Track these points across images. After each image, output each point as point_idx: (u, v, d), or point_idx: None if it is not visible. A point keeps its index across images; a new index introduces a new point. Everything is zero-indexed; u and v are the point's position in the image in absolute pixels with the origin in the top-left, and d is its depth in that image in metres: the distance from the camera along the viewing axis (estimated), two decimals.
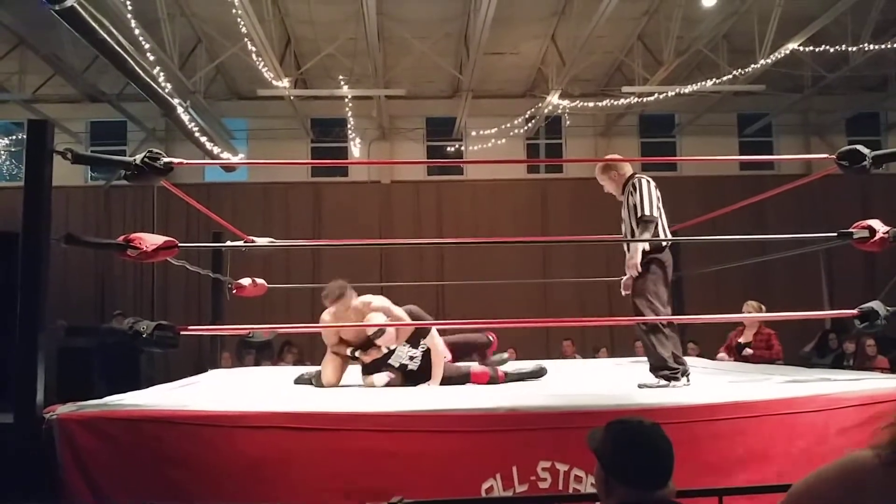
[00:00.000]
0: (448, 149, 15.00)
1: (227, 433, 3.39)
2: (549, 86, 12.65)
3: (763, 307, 7.52)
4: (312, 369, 5.93)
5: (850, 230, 4.42)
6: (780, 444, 3.51)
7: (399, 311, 5.46)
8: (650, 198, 4.85)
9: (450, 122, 14.53)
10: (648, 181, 4.96)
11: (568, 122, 14.66)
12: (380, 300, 5.51)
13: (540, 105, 13.12)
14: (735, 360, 7.68)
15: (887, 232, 4.32)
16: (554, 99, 12.42)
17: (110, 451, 3.34)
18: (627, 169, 5.25)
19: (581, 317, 12.42)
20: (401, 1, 11.09)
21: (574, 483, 3.32)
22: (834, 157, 4.41)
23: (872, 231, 4.34)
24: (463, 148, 14.84)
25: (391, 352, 5.38)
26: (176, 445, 3.36)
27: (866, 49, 11.01)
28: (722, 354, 7.94)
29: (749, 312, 7.41)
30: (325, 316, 5.53)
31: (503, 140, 13.85)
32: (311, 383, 5.60)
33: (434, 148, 15.20)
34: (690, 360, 7.44)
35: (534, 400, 4.08)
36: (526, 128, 14.07)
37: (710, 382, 5.10)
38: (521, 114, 13.69)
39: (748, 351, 7.69)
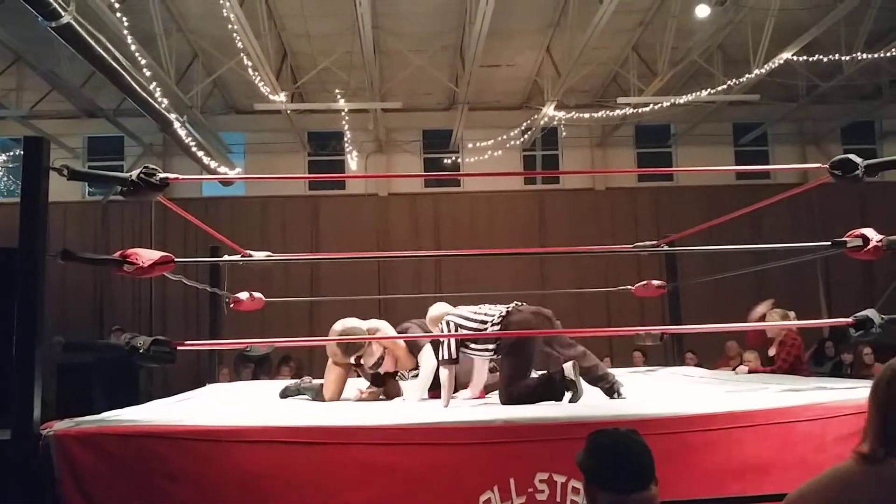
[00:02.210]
0: (445, 161, 15.02)
1: (225, 448, 3.39)
2: (544, 97, 12.69)
3: (791, 314, 7.41)
4: (293, 382, 5.92)
5: (844, 239, 4.44)
6: (777, 454, 3.51)
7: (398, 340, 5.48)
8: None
9: (446, 135, 14.57)
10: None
11: (564, 133, 14.69)
12: (384, 328, 5.50)
13: (536, 116, 13.16)
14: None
15: (881, 240, 4.34)
16: (550, 110, 12.46)
17: (108, 467, 3.33)
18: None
19: (579, 328, 12.41)
20: (396, 14, 11.14)
21: (572, 494, 3.32)
22: (827, 166, 4.43)
23: (866, 240, 4.36)
24: (460, 160, 14.87)
25: (395, 373, 5.42)
26: (174, 461, 3.35)
27: (860, 58, 11.05)
28: (742, 367, 7.81)
29: (774, 321, 7.34)
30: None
31: (500, 151, 13.88)
32: (300, 393, 5.60)
33: (431, 160, 15.22)
34: (688, 370, 7.49)
35: (530, 411, 4.08)
36: (522, 139, 14.10)
37: (707, 392, 5.11)
38: (518, 125, 13.73)
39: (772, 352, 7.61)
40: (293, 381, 5.91)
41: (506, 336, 4.80)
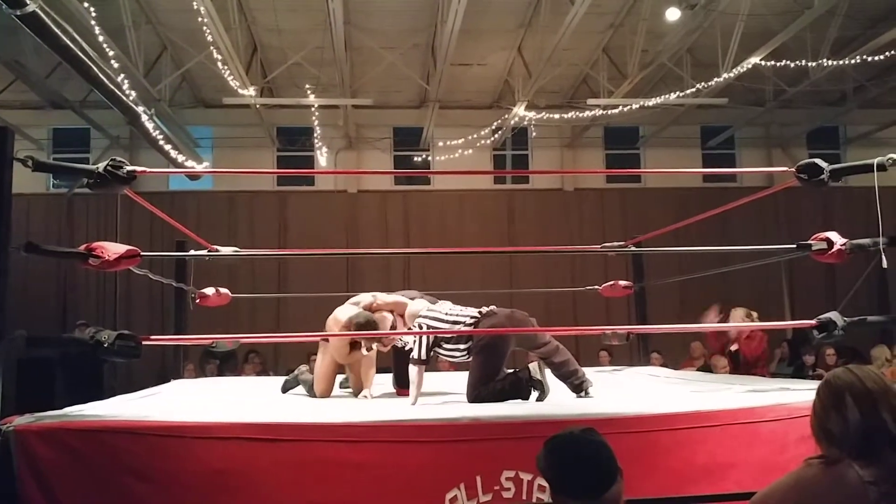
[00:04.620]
0: (415, 159, 15.00)
1: (190, 444, 3.36)
2: (515, 97, 12.71)
3: (754, 314, 7.51)
4: (292, 374, 5.83)
5: (809, 242, 4.51)
6: (741, 453, 3.56)
7: (398, 298, 5.53)
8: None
9: (417, 132, 14.55)
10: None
11: (534, 134, 14.72)
12: (382, 297, 5.56)
13: (506, 116, 13.18)
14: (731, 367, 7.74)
15: (844, 244, 4.41)
16: (520, 110, 12.48)
17: (70, 463, 3.29)
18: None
19: (546, 326, 12.45)
20: (368, 11, 11.10)
21: (538, 492, 3.34)
22: (793, 170, 4.50)
23: (830, 243, 4.43)
24: (430, 158, 14.85)
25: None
26: (138, 457, 3.32)
27: (825, 64, 11.21)
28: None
29: (737, 319, 7.44)
30: (335, 326, 5.41)
31: (470, 150, 13.87)
32: (298, 384, 5.58)
33: (401, 158, 15.18)
34: (653, 370, 7.56)
35: (497, 409, 4.10)
36: (493, 138, 14.11)
37: (672, 392, 5.16)
38: (488, 125, 13.74)
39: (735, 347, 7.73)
40: (292, 374, 5.84)
41: (477, 336, 4.83)
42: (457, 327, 4.89)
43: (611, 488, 2.13)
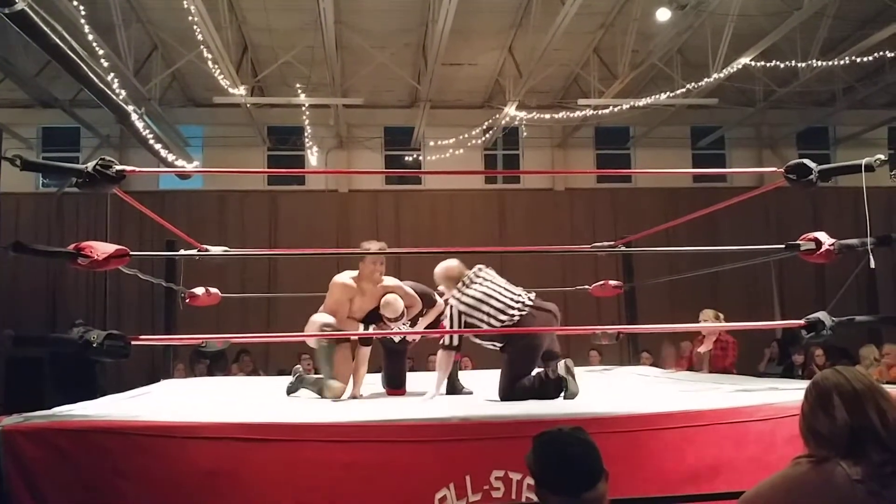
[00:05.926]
0: (406, 158, 15.00)
1: (180, 444, 3.35)
2: (506, 97, 12.72)
3: (721, 315, 7.54)
4: (294, 377, 5.56)
5: (798, 242, 4.53)
6: (729, 453, 3.57)
7: (408, 289, 5.58)
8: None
9: (408, 132, 14.54)
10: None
11: (525, 134, 14.75)
12: (391, 280, 5.61)
13: (497, 116, 13.18)
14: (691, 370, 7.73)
15: (833, 244, 4.43)
16: (511, 110, 12.49)
17: (59, 464, 3.28)
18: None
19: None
20: (359, 10, 11.09)
21: (527, 492, 3.34)
22: (782, 170, 4.52)
23: (819, 243, 4.45)
24: (421, 158, 14.85)
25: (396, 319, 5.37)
26: (127, 457, 3.31)
27: (815, 65, 11.26)
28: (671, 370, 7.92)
29: (705, 321, 7.46)
30: (342, 281, 5.47)
31: (461, 150, 13.88)
32: (299, 388, 5.39)
33: (392, 157, 15.18)
34: (643, 370, 7.57)
35: (486, 409, 4.11)
36: (484, 138, 14.12)
37: (660, 391, 5.17)
38: (479, 124, 13.74)
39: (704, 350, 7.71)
40: (293, 377, 5.52)
41: (514, 334, 4.79)
42: (500, 324, 4.80)
43: (594, 487, 2.14)
